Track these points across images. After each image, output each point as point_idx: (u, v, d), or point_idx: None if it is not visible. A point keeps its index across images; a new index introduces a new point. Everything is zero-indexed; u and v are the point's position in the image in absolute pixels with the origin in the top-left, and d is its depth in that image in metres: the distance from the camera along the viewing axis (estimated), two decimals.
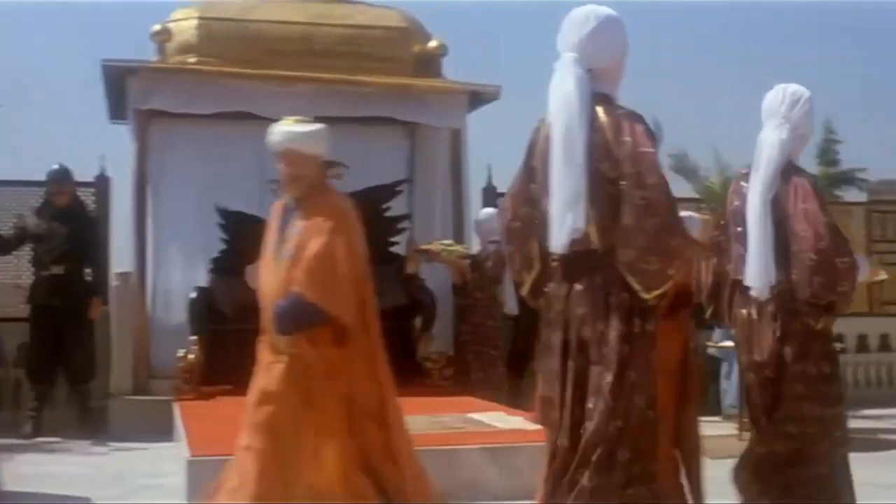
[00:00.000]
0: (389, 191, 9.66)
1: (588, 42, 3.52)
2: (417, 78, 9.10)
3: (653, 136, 3.46)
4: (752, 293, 4.02)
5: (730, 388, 8.21)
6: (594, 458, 3.38)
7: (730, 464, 6.95)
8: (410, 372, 9.00)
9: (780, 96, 4.11)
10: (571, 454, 3.46)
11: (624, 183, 3.36)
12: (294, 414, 4.26)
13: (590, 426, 3.39)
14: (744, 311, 4.14)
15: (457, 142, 9.30)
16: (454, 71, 9.41)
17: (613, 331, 3.39)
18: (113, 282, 8.76)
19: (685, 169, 10.31)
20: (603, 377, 3.38)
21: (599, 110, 3.45)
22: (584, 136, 3.37)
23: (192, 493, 5.23)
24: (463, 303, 8.79)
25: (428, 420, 6.58)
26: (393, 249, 9.58)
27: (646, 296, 3.40)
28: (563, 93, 3.44)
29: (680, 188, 10.55)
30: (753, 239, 3.96)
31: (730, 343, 8.11)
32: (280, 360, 4.32)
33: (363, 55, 9.09)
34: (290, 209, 4.44)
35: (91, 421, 8.40)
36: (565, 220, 3.37)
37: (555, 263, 3.53)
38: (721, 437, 8.25)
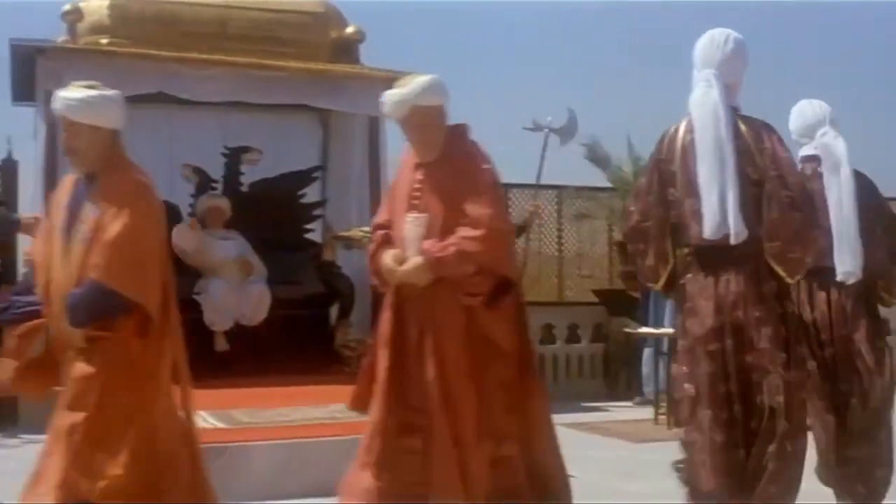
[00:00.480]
0: (304, 177, 9.59)
1: (727, 61, 4.02)
2: (334, 64, 9.02)
3: (784, 143, 3.99)
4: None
5: (651, 373, 8.36)
6: (783, 434, 3.77)
7: (650, 447, 7.17)
8: (328, 360, 8.97)
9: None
10: (750, 433, 3.80)
11: (768, 184, 3.85)
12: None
13: (778, 402, 3.77)
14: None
15: (374, 128, 9.25)
16: (371, 58, 9.36)
17: (772, 314, 3.86)
18: (23, 268, 8.48)
19: (598, 157, 10.43)
20: (774, 357, 3.80)
21: (738, 120, 3.94)
22: (732, 143, 3.84)
23: None
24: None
25: None
26: (308, 236, 9.53)
27: (790, 281, 3.92)
28: (711, 104, 3.90)
29: (593, 177, 10.73)
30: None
31: (657, 330, 8.27)
32: (76, 357, 3.88)
33: (279, 40, 8.99)
34: (83, 186, 3.98)
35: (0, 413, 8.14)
36: (720, 217, 3.79)
37: (689, 258, 3.99)
38: (637, 421, 8.45)
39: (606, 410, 9.24)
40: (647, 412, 8.76)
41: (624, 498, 5.60)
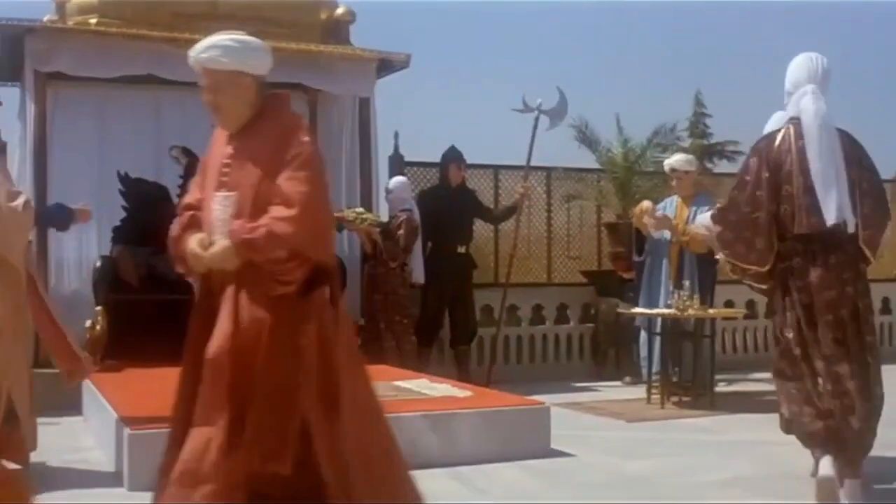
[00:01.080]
0: None
1: (822, 79, 4.91)
2: (325, 45, 8.98)
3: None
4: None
5: (651, 355, 8.40)
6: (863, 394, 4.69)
7: (645, 426, 7.22)
8: None
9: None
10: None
11: (864, 184, 4.78)
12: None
13: (869, 361, 4.74)
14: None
15: (365, 110, 9.22)
16: (361, 39, 9.33)
17: (863, 287, 4.80)
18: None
19: (587, 139, 10.44)
20: (864, 323, 4.75)
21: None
22: (841, 151, 4.75)
23: (131, 469, 5.11)
24: (374, 271, 8.77)
25: None
26: None
27: (873, 260, 4.85)
28: (823, 117, 4.73)
29: (583, 158, 10.74)
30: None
31: (650, 310, 8.29)
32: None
33: (269, 20, 8.90)
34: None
35: None
36: (838, 211, 4.66)
37: (797, 244, 4.76)
38: (629, 401, 8.49)
39: (597, 390, 9.27)
40: (637, 391, 8.81)
41: (625, 477, 5.63)
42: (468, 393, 6.43)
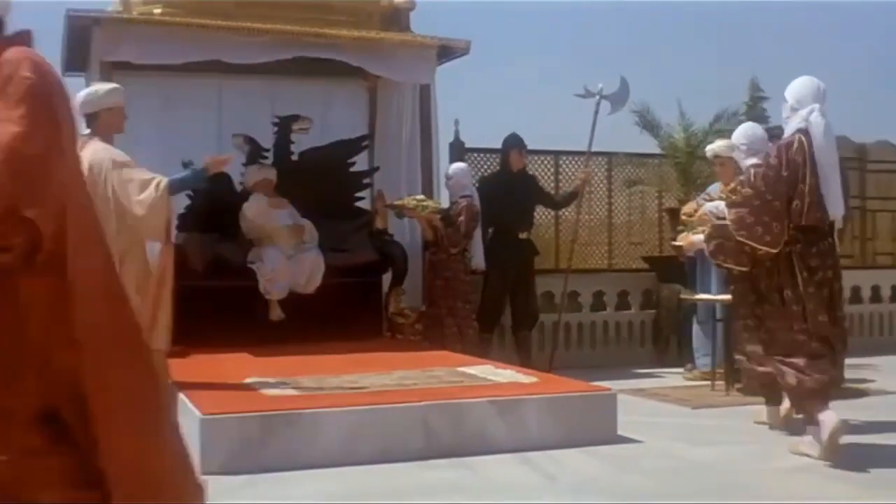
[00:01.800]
0: (354, 146, 9.60)
1: (823, 98, 5.73)
2: (385, 32, 9.00)
3: None
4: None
5: (701, 345, 8.35)
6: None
7: (711, 413, 7.17)
8: (381, 327, 9.03)
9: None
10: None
11: (844, 186, 5.85)
12: None
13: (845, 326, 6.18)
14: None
15: (425, 96, 9.23)
16: (421, 26, 9.33)
17: (839, 270, 5.84)
18: None
19: (649, 124, 10.37)
20: (840, 299, 5.88)
21: None
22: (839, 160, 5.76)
23: (206, 451, 5.17)
24: (435, 258, 8.79)
25: (422, 374, 6.59)
26: (359, 205, 9.55)
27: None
28: (829, 132, 5.63)
29: (644, 144, 10.67)
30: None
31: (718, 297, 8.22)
32: None
33: (330, 8, 8.97)
34: None
35: None
36: (839, 203, 5.63)
37: (798, 233, 5.59)
38: (692, 387, 8.44)
39: (659, 377, 9.22)
40: (695, 377, 8.75)
41: (693, 464, 5.60)
42: (533, 379, 6.43)
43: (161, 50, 8.27)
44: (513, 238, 9.35)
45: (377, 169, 9.64)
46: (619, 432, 6.08)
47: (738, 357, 6.42)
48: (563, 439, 5.80)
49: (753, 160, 6.25)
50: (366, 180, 9.56)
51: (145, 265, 6.17)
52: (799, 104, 5.70)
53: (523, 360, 8.99)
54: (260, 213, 8.56)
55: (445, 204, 8.99)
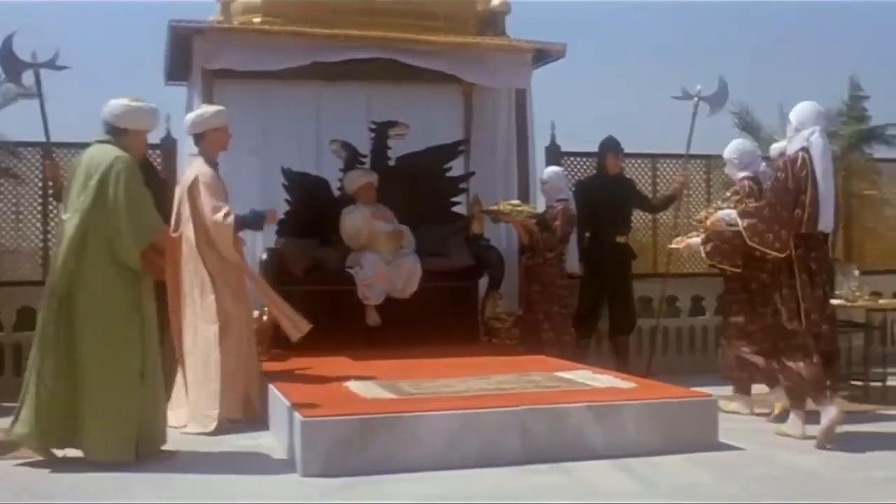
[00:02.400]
0: (450, 151, 9.63)
1: (825, 120, 6.47)
2: (481, 37, 9.01)
3: None
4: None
5: None
6: None
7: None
8: (478, 332, 9.04)
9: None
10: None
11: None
12: None
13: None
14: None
15: (521, 101, 9.21)
16: (516, 30, 9.31)
17: (829, 276, 6.58)
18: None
19: (748, 125, 10.19)
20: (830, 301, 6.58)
21: None
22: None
23: (306, 453, 5.24)
24: (531, 263, 8.75)
25: (519, 378, 6.58)
26: (455, 210, 9.58)
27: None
28: (828, 151, 6.29)
29: None
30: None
31: None
32: None
33: (426, 14, 9.00)
34: None
35: None
36: (831, 215, 6.25)
37: (799, 241, 6.21)
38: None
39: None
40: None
41: (796, 471, 5.49)
42: (632, 384, 6.37)
43: (261, 57, 8.42)
44: (610, 242, 9.28)
45: (473, 174, 9.66)
46: (720, 439, 6.00)
47: (725, 349, 7.41)
48: (663, 445, 5.75)
49: (745, 173, 7.29)
50: (462, 185, 9.59)
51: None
52: (801, 126, 6.32)
53: (621, 365, 8.91)
54: (359, 226, 8.66)
55: (541, 208, 8.96)
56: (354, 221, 8.70)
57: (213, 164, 7.14)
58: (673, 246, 8.10)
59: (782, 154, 6.74)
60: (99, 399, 5.60)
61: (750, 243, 6.31)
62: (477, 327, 9.06)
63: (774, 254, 6.22)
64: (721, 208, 7.11)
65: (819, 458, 5.78)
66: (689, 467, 5.51)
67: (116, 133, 5.94)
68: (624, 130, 9.58)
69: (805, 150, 6.24)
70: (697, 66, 12.22)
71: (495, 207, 8.82)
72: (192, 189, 6.87)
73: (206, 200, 6.80)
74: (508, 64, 9.01)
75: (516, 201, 8.81)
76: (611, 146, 9.43)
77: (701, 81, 9.46)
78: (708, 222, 7.04)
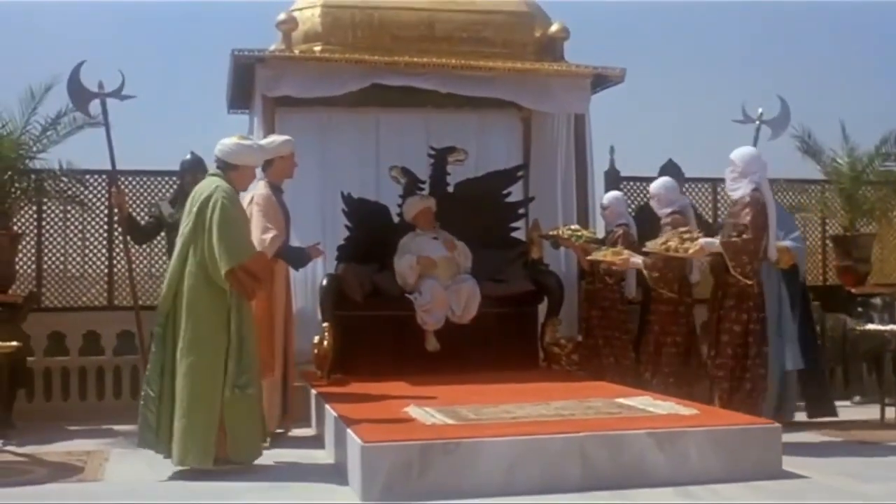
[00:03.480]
0: (509, 176, 9.65)
1: (764, 167, 7.12)
2: (539, 62, 9.02)
3: None
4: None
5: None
6: None
7: (881, 448, 6.87)
8: (537, 357, 9.01)
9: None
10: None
11: None
12: None
13: None
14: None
15: (580, 125, 9.20)
16: (575, 55, 9.31)
17: None
18: None
19: (811, 148, 10.08)
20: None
21: None
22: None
23: (366, 478, 5.26)
24: (591, 287, 8.70)
25: (579, 405, 6.54)
26: (514, 235, 9.58)
27: None
28: (771, 195, 7.07)
29: (806, 169, 10.38)
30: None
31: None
32: None
33: (484, 40, 9.06)
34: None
35: None
36: (774, 249, 7.11)
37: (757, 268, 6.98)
38: (861, 421, 8.14)
39: None
40: (868, 411, 8.46)
41: (864, 500, 5.39)
42: (694, 411, 6.30)
43: (321, 83, 8.51)
44: None
45: (532, 199, 9.67)
46: (784, 467, 5.91)
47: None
48: (725, 473, 5.67)
49: (671, 209, 7.71)
50: (521, 210, 9.59)
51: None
52: (747, 168, 6.99)
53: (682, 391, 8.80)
54: (405, 274, 8.75)
55: (601, 233, 8.93)
56: (400, 268, 8.77)
57: (276, 188, 7.30)
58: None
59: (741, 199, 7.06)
60: (181, 410, 6.07)
61: (733, 272, 6.84)
62: (536, 353, 9.03)
63: (746, 281, 6.84)
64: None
65: (889, 488, 5.66)
66: (753, 496, 5.42)
67: (226, 168, 6.50)
68: (684, 154, 9.55)
69: (757, 190, 6.94)
70: (758, 89, 12.09)
71: (554, 232, 8.80)
72: (248, 209, 6.98)
73: (256, 220, 6.92)
74: (567, 89, 9.01)
75: (576, 226, 8.78)
76: (670, 171, 9.37)
77: (762, 104, 9.39)
78: (692, 252, 7.07)
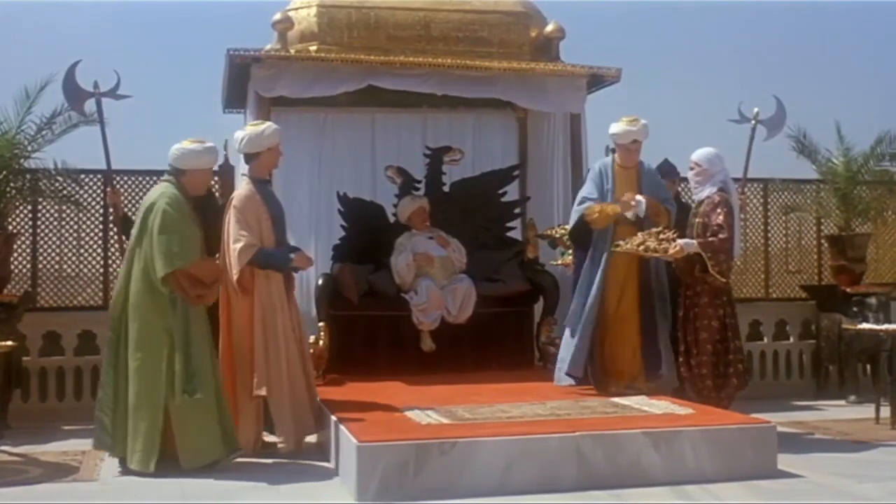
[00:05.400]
0: (505, 176, 9.65)
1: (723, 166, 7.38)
2: (535, 62, 9.01)
3: None
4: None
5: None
6: None
7: (876, 448, 6.89)
8: (532, 357, 9.01)
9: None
10: None
11: None
12: None
13: None
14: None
15: (576, 125, 9.19)
16: (570, 55, 9.30)
17: None
18: None
19: (806, 149, 10.09)
20: None
21: None
22: None
23: (361, 478, 5.26)
24: None
25: (574, 404, 6.55)
26: (510, 235, 9.58)
27: None
28: (736, 196, 7.50)
29: (801, 169, 10.39)
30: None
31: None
32: None
33: (480, 40, 9.05)
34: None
35: None
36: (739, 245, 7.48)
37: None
38: (856, 421, 8.15)
39: (820, 409, 8.96)
40: (864, 411, 8.47)
41: (858, 500, 5.40)
42: (689, 410, 6.31)
43: (317, 84, 8.49)
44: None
45: (528, 198, 9.67)
46: (780, 466, 5.92)
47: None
48: (721, 472, 5.69)
49: (715, 188, 7.26)
50: (517, 210, 9.60)
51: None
52: (712, 168, 7.19)
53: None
54: (403, 272, 8.72)
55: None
56: (398, 266, 8.74)
57: (262, 182, 7.00)
58: (629, 249, 7.17)
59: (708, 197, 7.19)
60: (130, 412, 6.17)
61: (712, 270, 6.95)
62: (532, 352, 9.04)
63: (722, 280, 7.02)
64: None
65: (883, 487, 5.67)
66: (748, 495, 5.44)
67: (177, 173, 6.51)
68: (680, 154, 9.53)
69: (723, 190, 7.13)
70: (754, 89, 12.09)
71: (549, 232, 8.81)
72: (227, 213, 6.78)
73: (231, 228, 6.63)
74: (563, 89, 8.99)
75: (569, 227, 8.76)
76: (666, 170, 9.35)
77: (757, 103, 9.38)
78: (671, 253, 6.96)
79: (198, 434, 6.14)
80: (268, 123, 7.15)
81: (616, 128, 7.48)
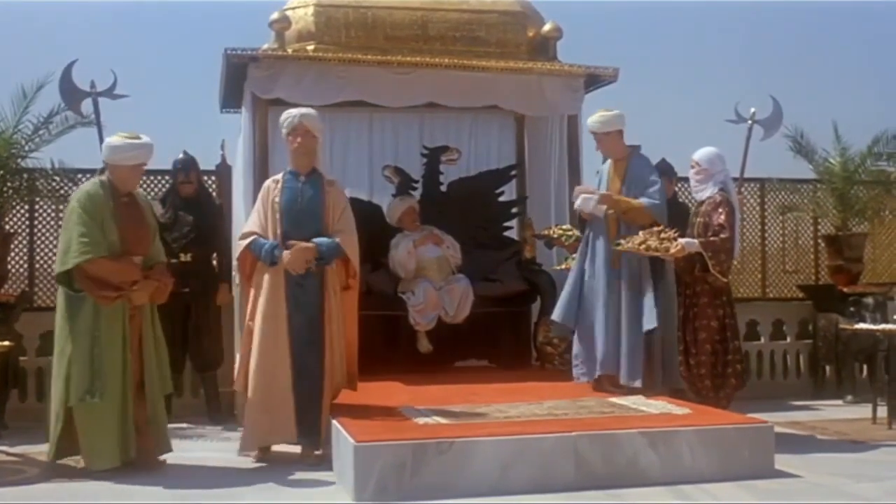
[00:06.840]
0: (502, 176, 9.65)
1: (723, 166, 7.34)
2: (533, 62, 9.01)
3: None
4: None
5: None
6: None
7: (873, 447, 6.90)
8: (529, 357, 9.02)
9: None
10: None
11: None
12: None
13: None
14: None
15: (574, 125, 9.19)
16: (568, 55, 9.31)
17: None
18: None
19: (803, 148, 10.09)
20: None
21: None
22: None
23: (359, 478, 5.25)
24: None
25: (572, 404, 6.55)
26: (507, 234, 9.59)
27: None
28: (736, 195, 7.42)
29: (798, 169, 10.40)
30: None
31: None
32: None
33: (477, 40, 9.04)
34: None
35: (218, 407, 8.51)
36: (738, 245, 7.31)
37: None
38: (853, 420, 8.16)
39: (817, 409, 8.96)
40: (861, 411, 8.47)
41: (856, 500, 5.40)
42: (686, 410, 6.31)
43: (314, 89, 8.45)
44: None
45: (526, 198, 9.68)
46: (777, 466, 5.92)
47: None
48: (718, 472, 5.69)
49: (717, 188, 7.21)
50: (514, 210, 9.60)
51: None
52: (713, 168, 7.16)
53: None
54: (403, 261, 8.70)
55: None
56: (398, 257, 8.73)
57: (295, 175, 6.89)
58: (630, 248, 7.03)
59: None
60: (53, 413, 6.15)
61: (713, 270, 6.95)
62: (529, 352, 9.04)
63: (723, 280, 7.02)
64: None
65: (880, 487, 5.68)
66: (745, 495, 5.44)
67: (105, 168, 6.38)
68: (677, 154, 9.55)
69: (723, 190, 7.14)
70: (750, 89, 12.09)
71: (546, 232, 8.81)
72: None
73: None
74: (559, 89, 9.00)
75: (567, 226, 8.78)
76: (663, 170, 9.36)
77: (754, 103, 9.41)
78: (673, 251, 6.89)
79: (94, 437, 6.04)
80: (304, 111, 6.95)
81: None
